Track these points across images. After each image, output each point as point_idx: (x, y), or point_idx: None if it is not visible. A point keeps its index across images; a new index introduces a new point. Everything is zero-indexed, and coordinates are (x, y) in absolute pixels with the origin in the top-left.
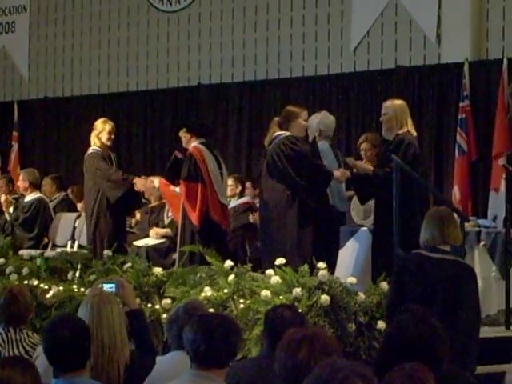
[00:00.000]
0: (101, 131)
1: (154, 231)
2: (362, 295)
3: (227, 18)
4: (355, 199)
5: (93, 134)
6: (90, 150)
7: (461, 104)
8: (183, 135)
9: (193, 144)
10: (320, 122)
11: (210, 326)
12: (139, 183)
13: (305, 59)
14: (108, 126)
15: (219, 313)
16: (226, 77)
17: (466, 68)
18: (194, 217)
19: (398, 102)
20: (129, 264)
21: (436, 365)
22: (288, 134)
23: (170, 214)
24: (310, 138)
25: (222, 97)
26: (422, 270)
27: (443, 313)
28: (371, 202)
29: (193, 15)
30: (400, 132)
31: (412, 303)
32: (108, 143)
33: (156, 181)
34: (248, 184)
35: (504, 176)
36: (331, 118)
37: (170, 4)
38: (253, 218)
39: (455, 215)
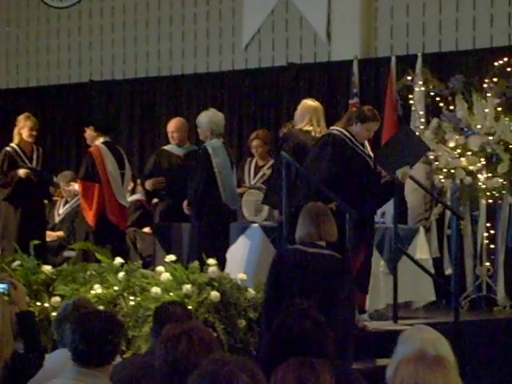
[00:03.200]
0: (22, 127)
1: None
2: (252, 291)
3: (118, 15)
4: (246, 196)
5: (15, 130)
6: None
7: (350, 101)
8: (89, 133)
9: (96, 142)
10: (210, 121)
11: (89, 325)
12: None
13: (196, 56)
14: (29, 122)
15: (100, 310)
16: (117, 74)
17: (355, 65)
18: (89, 216)
19: (310, 102)
20: (17, 262)
21: (324, 360)
22: (336, 130)
23: (60, 211)
24: (201, 138)
25: (114, 94)
26: (299, 265)
27: (320, 307)
28: (260, 199)
29: (84, 12)
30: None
31: (290, 298)
32: (29, 139)
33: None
34: (139, 181)
35: None
36: (220, 116)
37: (61, 0)
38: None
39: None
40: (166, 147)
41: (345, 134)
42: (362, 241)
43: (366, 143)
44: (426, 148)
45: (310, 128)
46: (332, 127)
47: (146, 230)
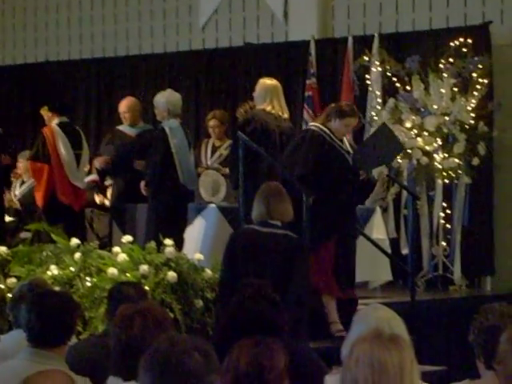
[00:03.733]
0: None
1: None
2: (209, 271)
3: None
4: (203, 176)
5: None
6: None
7: (307, 81)
8: (45, 113)
9: (52, 123)
10: (167, 101)
11: (44, 305)
12: None
13: (153, 36)
14: None
15: (56, 291)
16: (74, 54)
17: (312, 46)
18: (38, 197)
19: (269, 81)
20: None
21: (278, 339)
22: (315, 126)
23: (16, 192)
24: (159, 118)
25: (70, 74)
26: (253, 245)
27: (274, 286)
28: (219, 178)
29: None
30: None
31: (245, 278)
32: None
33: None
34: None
35: None
36: (177, 96)
37: None
38: (98, 198)
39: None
40: (120, 127)
41: (323, 130)
42: (335, 232)
43: (345, 139)
44: (400, 147)
45: (273, 109)
46: (311, 123)
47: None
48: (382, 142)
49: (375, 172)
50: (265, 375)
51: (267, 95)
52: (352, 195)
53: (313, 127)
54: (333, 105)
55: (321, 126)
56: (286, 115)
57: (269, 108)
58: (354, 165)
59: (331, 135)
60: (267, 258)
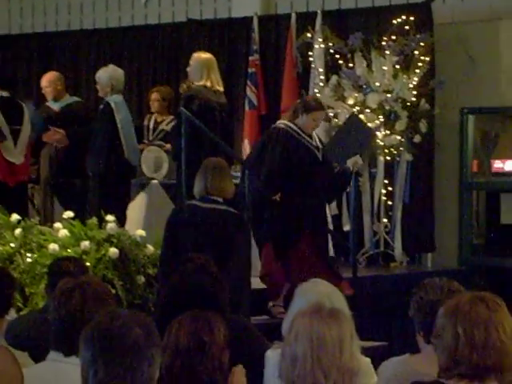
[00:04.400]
0: None
1: None
2: (150, 247)
3: None
4: (146, 152)
5: None
6: None
7: (250, 58)
8: None
9: None
10: (111, 76)
11: None
12: None
13: (95, 11)
14: None
15: None
16: (14, 28)
17: (255, 22)
18: None
19: (204, 55)
20: None
21: (219, 313)
22: (282, 124)
23: None
24: (101, 94)
25: (11, 49)
26: (194, 220)
27: (215, 261)
28: (162, 154)
29: None
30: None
31: (186, 253)
32: None
33: None
34: None
35: None
36: (120, 72)
37: None
38: None
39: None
40: (47, 102)
41: (291, 127)
42: (302, 231)
43: (314, 135)
44: (370, 132)
45: (212, 86)
46: (279, 121)
47: None
48: (352, 133)
49: (350, 162)
50: (205, 349)
51: (204, 70)
52: (321, 190)
53: (280, 125)
54: (299, 100)
55: (288, 124)
56: (221, 88)
57: (208, 84)
58: (326, 159)
59: (299, 131)
60: (207, 234)
